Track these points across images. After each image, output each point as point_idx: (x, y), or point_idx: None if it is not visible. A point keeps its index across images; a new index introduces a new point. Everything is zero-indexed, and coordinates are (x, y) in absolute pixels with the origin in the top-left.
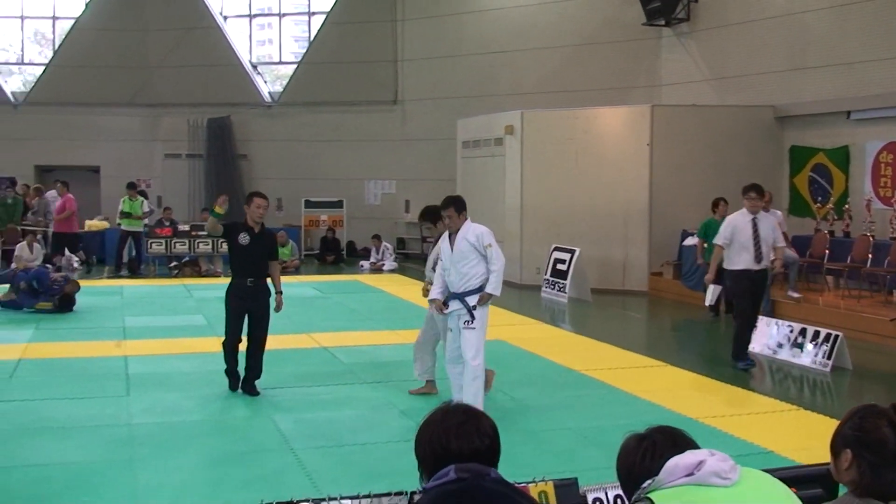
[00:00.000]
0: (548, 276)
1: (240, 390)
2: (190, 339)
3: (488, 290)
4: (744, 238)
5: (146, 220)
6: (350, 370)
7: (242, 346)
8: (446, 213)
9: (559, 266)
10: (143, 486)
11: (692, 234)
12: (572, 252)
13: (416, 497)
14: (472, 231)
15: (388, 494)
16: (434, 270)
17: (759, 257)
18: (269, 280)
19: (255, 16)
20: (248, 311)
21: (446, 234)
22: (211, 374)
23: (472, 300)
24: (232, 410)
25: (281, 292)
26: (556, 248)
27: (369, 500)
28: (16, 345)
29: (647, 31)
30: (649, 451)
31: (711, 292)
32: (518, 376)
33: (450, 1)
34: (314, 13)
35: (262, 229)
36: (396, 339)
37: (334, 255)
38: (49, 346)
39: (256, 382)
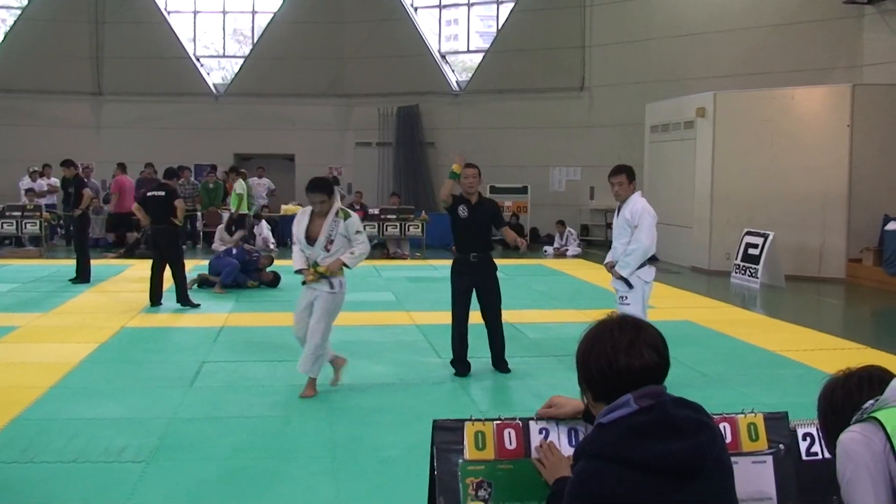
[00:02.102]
0: (738, 262)
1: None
2: (380, 313)
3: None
4: None
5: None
6: (536, 344)
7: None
8: (616, 179)
9: (751, 251)
10: (341, 437)
11: (894, 219)
12: (766, 236)
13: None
14: (629, 207)
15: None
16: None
17: None
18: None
19: (445, 6)
20: (476, 287)
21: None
22: (400, 344)
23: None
24: (421, 372)
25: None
26: (749, 233)
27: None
28: (218, 314)
29: (849, 10)
30: (859, 384)
31: None
32: (708, 354)
33: None
34: (502, 1)
35: (479, 199)
36: (582, 318)
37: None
38: (248, 316)
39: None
